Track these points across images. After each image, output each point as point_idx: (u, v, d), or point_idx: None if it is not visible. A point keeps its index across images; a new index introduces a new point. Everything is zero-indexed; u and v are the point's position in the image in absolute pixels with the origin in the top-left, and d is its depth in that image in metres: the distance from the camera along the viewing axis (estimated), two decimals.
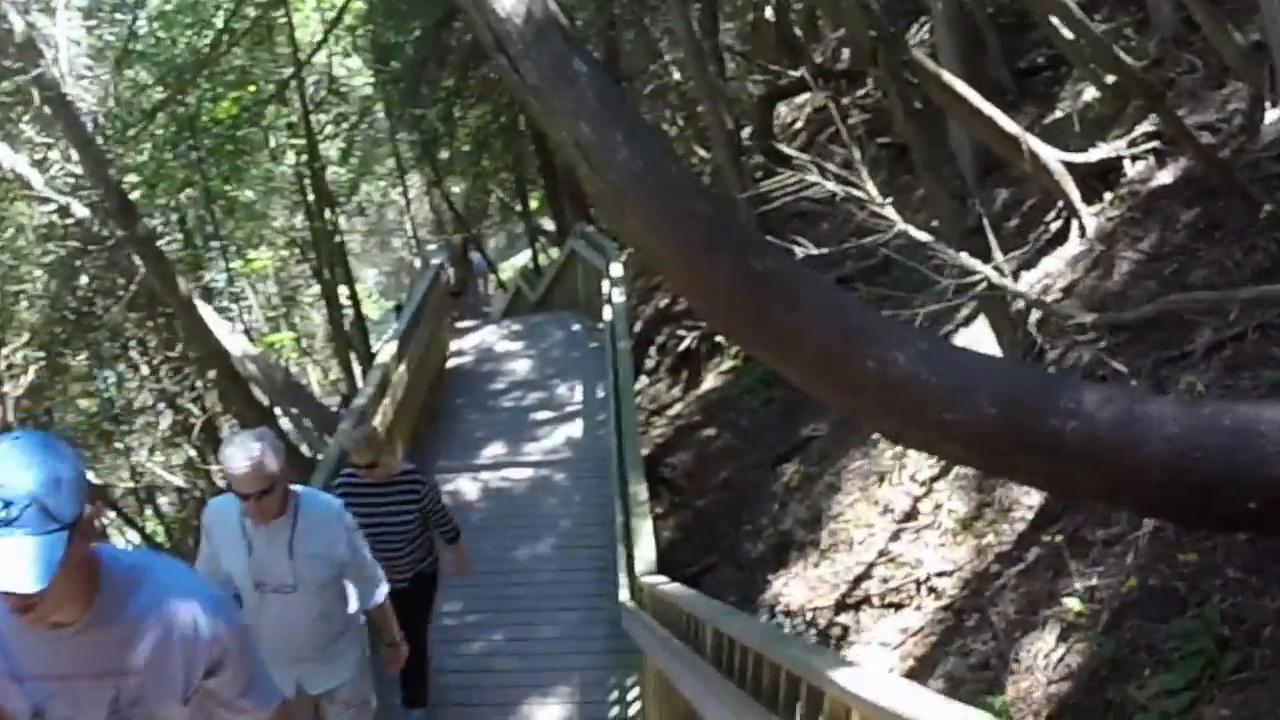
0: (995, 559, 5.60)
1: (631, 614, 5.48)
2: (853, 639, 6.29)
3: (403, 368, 9.21)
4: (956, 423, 2.84)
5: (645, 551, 5.68)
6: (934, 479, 6.76)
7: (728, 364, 12.57)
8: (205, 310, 12.05)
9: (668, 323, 14.30)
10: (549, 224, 24.49)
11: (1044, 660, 4.52)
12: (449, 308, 12.62)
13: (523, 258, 28.24)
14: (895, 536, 6.67)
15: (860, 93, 14.13)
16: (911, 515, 6.77)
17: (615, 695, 6.44)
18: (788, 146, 13.11)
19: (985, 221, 6.27)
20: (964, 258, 5.21)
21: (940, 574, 5.98)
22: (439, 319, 11.69)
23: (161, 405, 18.22)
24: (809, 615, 6.74)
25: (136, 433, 21.36)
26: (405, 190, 25.70)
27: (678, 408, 12.54)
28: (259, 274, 21.35)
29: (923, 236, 5.12)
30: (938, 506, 6.59)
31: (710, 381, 12.63)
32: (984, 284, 5.17)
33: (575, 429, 10.27)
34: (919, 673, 5.35)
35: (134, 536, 24.32)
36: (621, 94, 3.67)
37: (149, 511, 22.94)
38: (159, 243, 13.75)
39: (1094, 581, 4.54)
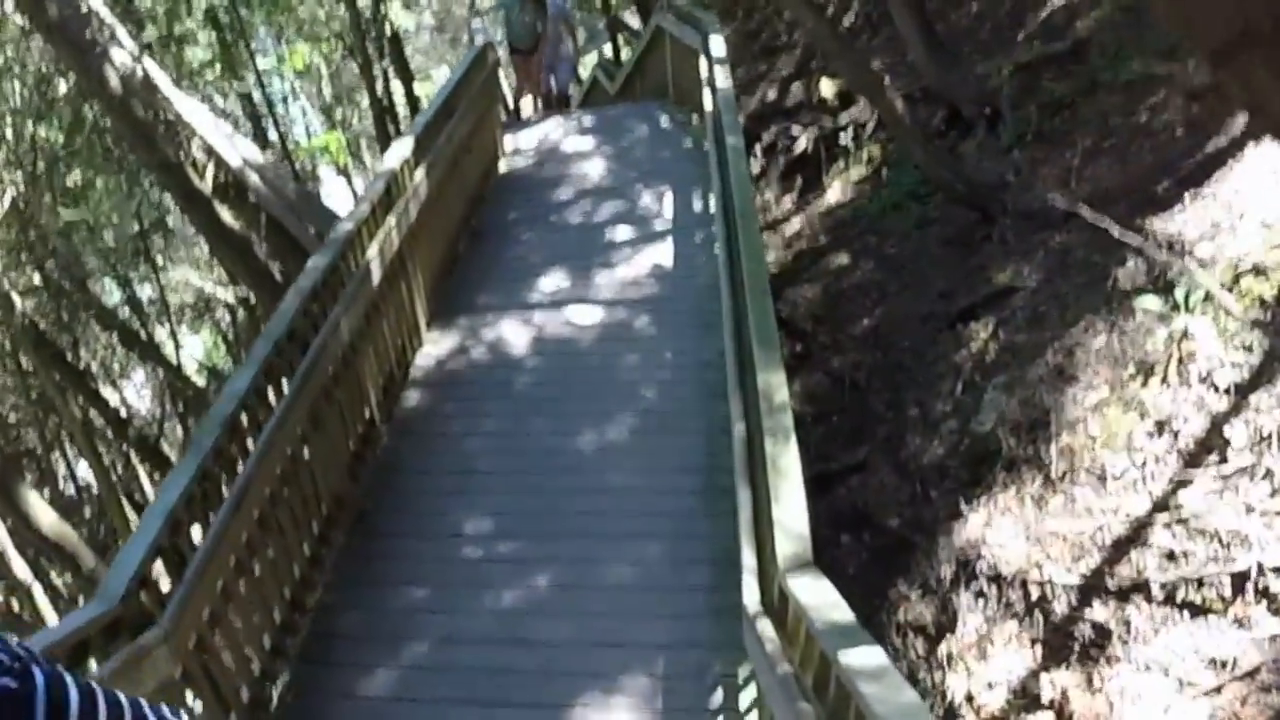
0: None
1: (761, 637, 2.96)
2: (1118, 654, 3.75)
3: (421, 173, 6.56)
4: None
5: (789, 515, 3.09)
6: (1247, 386, 4.04)
7: (859, 170, 9.69)
8: (191, 107, 9.43)
9: (775, 119, 11.29)
10: (632, 19, 20.98)
11: None
12: (496, 95, 9.78)
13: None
14: (1184, 481, 4.02)
15: None
16: (1209, 446, 4.08)
17: (720, 695, 4.04)
18: None
19: None
20: None
21: None
22: (485, 108, 8.93)
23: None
24: (1034, 590, 4.19)
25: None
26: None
27: (795, 224, 9.76)
28: (304, 74, 18.71)
29: None
30: (1263, 439, 3.88)
31: (836, 193, 9.78)
32: None
33: (664, 254, 7.62)
34: None
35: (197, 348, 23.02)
36: None
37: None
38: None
39: None
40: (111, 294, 19.95)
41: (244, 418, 4.29)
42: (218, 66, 14.52)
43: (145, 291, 19.38)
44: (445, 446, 5.62)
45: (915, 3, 7.47)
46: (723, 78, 7.38)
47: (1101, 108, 6.70)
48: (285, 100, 21.70)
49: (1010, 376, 5.12)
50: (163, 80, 9.65)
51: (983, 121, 7.77)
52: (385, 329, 5.88)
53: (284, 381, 4.66)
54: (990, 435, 4.93)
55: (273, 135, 16.86)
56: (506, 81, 12.20)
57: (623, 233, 8.09)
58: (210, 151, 9.79)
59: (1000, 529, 4.51)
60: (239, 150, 10.00)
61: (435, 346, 6.55)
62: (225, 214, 9.18)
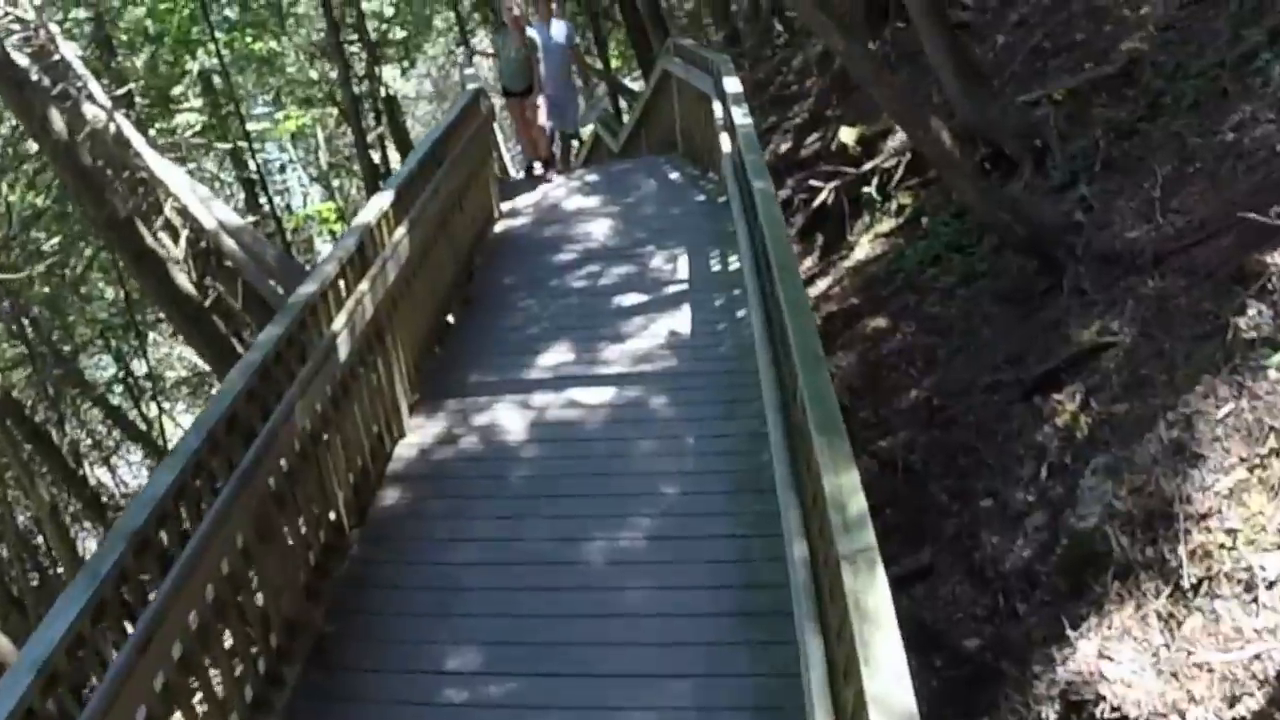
0: None
1: None
2: None
3: (403, 231, 5.71)
4: None
5: (888, 687, 2.13)
6: None
7: (888, 223, 8.87)
8: (165, 166, 8.71)
9: (791, 172, 10.50)
10: (634, 82, 20.40)
11: None
12: (491, 147, 8.95)
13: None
14: None
15: None
16: None
17: None
18: None
19: None
20: None
21: None
22: (479, 161, 8.14)
23: None
24: None
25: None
26: (467, 44, 21.61)
27: (820, 285, 8.89)
28: (298, 139, 18.15)
29: None
30: None
31: (864, 249, 8.94)
32: None
33: (680, 321, 6.74)
34: None
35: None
36: None
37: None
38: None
39: None
40: (106, 368, 19.20)
41: (161, 532, 3.38)
42: (208, 131, 14.00)
43: (140, 366, 18.60)
44: (426, 557, 4.67)
45: (947, 28, 6.70)
46: (741, 116, 6.56)
47: (1172, 129, 5.88)
48: (282, 168, 21.14)
49: (1113, 457, 4.18)
50: (136, 137, 8.96)
51: (1028, 159, 6.95)
52: (357, 413, 4.98)
53: (221, 481, 3.76)
54: (1094, 533, 3.98)
55: (267, 203, 16.20)
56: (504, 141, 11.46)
57: (633, 299, 7.22)
58: (184, 213, 9.08)
59: (1121, 657, 3.55)
60: (215, 213, 9.27)
61: (418, 434, 5.62)
62: (181, 278, 8.36)
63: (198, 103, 15.01)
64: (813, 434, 3.09)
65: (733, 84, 7.34)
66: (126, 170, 8.68)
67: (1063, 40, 7.84)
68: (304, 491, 4.32)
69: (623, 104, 18.52)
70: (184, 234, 9.00)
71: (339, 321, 4.70)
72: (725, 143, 6.82)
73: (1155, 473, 3.94)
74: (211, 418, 3.81)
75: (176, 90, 14.31)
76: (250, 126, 14.29)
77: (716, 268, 7.56)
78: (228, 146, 14.43)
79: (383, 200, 5.60)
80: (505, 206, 9.16)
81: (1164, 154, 5.66)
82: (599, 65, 18.81)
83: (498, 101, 11.24)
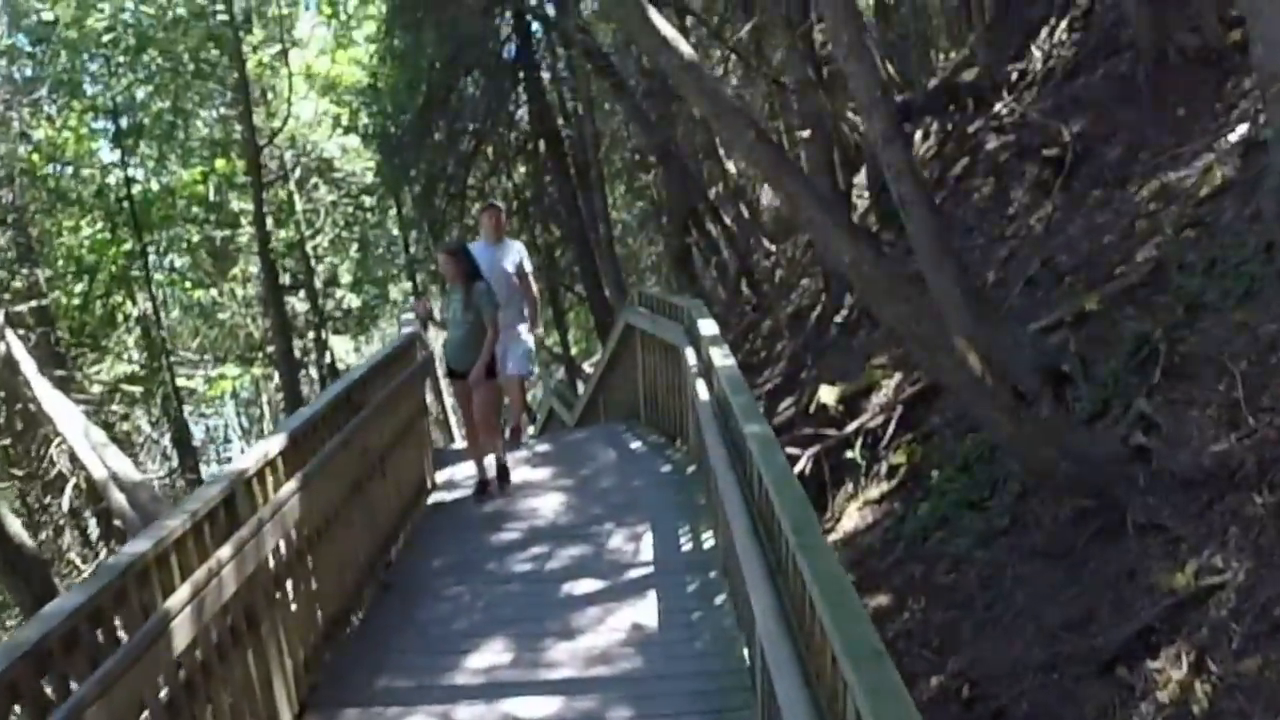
0: None
1: None
2: None
3: (294, 487, 4.50)
4: None
5: None
6: None
7: (877, 488, 7.87)
8: (57, 401, 7.62)
9: None
10: (588, 364, 19.98)
11: None
12: (423, 403, 7.69)
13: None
14: None
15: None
16: None
17: None
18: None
19: None
20: None
21: None
22: (409, 418, 7.05)
23: None
24: None
25: None
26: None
27: None
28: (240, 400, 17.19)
29: None
30: None
31: (852, 519, 7.88)
32: None
33: (646, 612, 5.43)
34: None
35: None
36: None
37: None
38: None
39: None
40: None
41: None
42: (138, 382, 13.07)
43: None
44: None
45: (953, 252, 6.00)
46: (721, 357, 5.58)
47: (1228, 325, 5.05)
48: (226, 428, 19.90)
49: None
50: (27, 363, 7.84)
51: (1047, 391, 6.09)
52: None
53: None
54: None
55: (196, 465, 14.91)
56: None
57: (587, 585, 5.92)
58: (74, 458, 7.89)
59: None
60: (109, 462, 8.07)
61: None
62: (14, 524, 7.00)
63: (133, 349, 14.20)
64: None
65: (709, 326, 6.47)
66: (17, 402, 7.59)
67: (1065, 264, 7.34)
68: None
69: (580, 388, 17.95)
70: (72, 481, 7.82)
71: (179, 596, 3.40)
72: (701, 389, 5.82)
73: None
74: None
75: (111, 336, 13.57)
76: (184, 382, 13.32)
77: (687, 546, 6.38)
78: (159, 399, 13.38)
79: (269, 446, 4.42)
80: (441, 476, 7.96)
81: (1233, 350, 4.79)
82: (557, 348, 18.32)
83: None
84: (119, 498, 7.60)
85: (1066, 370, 6.30)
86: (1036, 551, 5.32)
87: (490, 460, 7.42)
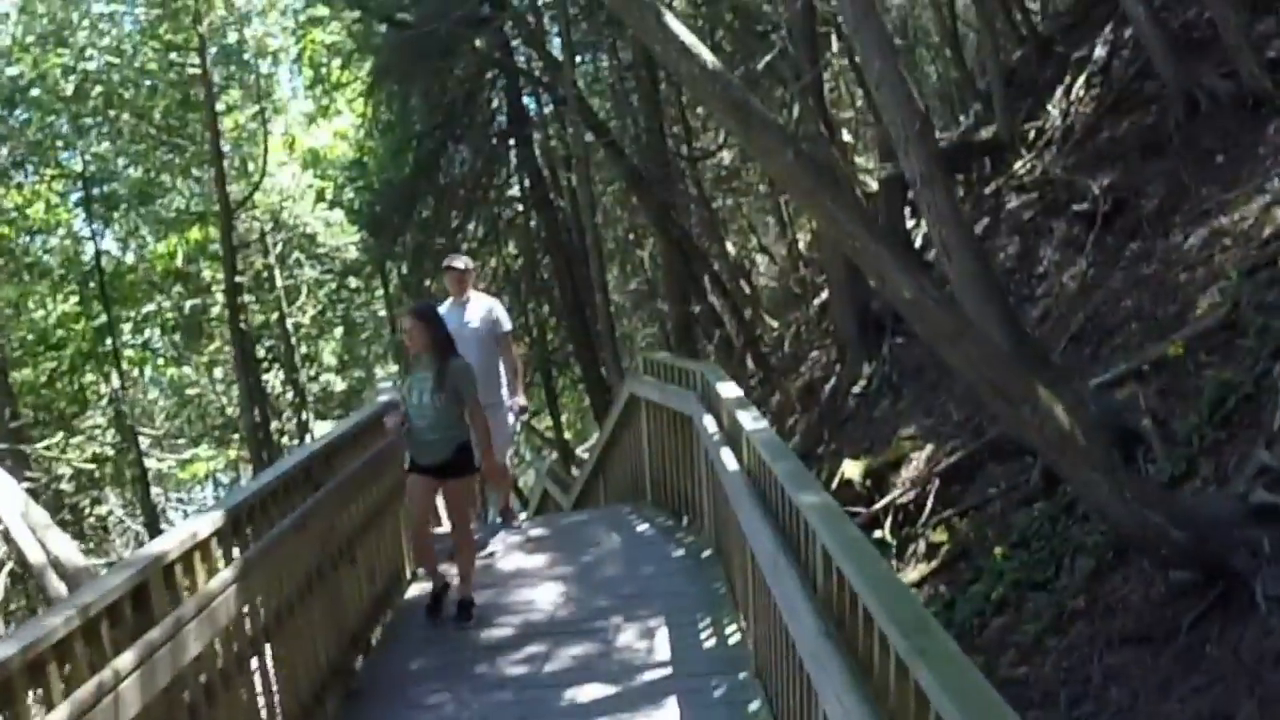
0: None
1: None
2: None
3: (232, 575, 3.63)
4: None
5: None
6: None
7: (915, 570, 7.16)
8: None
9: None
10: (583, 449, 19.16)
11: None
12: (396, 479, 6.58)
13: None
14: None
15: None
16: None
17: None
18: None
19: None
20: None
21: None
22: (383, 499, 6.16)
23: None
24: None
25: None
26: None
27: None
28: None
29: None
30: None
31: None
32: None
33: None
34: None
35: None
36: None
37: None
38: None
39: None
40: None
41: None
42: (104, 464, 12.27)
43: None
44: None
45: (1002, 301, 5.29)
46: (751, 420, 4.74)
47: None
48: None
49: None
50: None
51: (1116, 454, 5.38)
52: None
53: None
54: None
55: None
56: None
57: (592, 691, 5.04)
58: (8, 539, 7.13)
59: None
60: (50, 545, 7.21)
61: None
62: None
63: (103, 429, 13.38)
64: None
65: (729, 389, 5.65)
66: None
67: (1112, 319, 6.78)
68: None
69: (575, 471, 17.10)
70: (7, 566, 7.02)
71: (58, 715, 2.52)
72: (727, 458, 4.98)
73: None
74: None
75: (80, 414, 12.82)
76: (155, 464, 12.47)
77: (710, 643, 5.49)
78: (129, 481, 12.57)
79: (198, 526, 3.54)
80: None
81: None
82: (550, 432, 17.49)
83: None
84: (58, 586, 6.76)
85: (1137, 428, 5.60)
86: (1128, 637, 4.49)
87: (449, 567, 6.17)
